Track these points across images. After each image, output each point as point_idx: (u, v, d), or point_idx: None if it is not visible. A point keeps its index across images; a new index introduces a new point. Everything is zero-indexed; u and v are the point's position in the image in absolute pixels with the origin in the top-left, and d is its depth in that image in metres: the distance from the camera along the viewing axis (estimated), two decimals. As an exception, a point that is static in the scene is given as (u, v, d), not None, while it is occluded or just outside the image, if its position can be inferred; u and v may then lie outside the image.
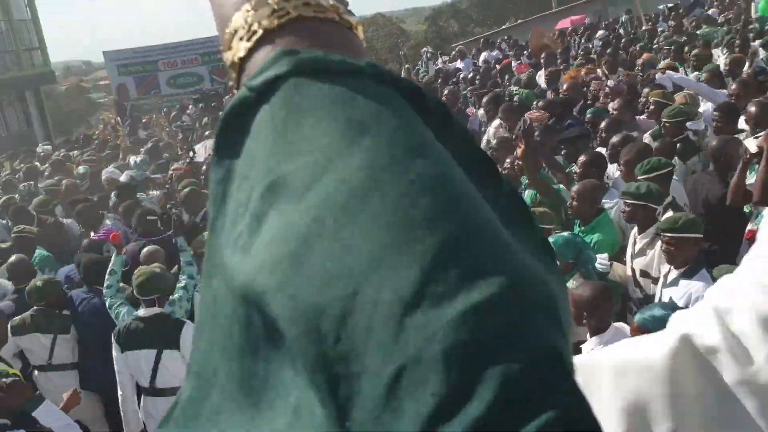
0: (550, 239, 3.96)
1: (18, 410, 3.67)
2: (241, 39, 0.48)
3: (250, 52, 0.48)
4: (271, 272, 0.37)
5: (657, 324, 3.13)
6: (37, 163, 13.03)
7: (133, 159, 11.13)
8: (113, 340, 4.53)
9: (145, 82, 27.74)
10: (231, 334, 0.40)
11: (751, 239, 4.12)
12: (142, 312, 4.54)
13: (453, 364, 0.32)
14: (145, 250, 5.41)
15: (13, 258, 5.91)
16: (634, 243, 4.52)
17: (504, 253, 0.36)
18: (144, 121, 17.50)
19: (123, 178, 9.89)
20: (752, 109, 5.34)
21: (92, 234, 6.81)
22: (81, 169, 10.66)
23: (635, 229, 4.53)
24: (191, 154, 9.94)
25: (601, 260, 4.44)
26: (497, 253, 0.36)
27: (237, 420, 0.40)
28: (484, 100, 8.98)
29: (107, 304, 4.87)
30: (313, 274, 0.36)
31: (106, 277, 4.98)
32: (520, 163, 5.50)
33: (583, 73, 10.04)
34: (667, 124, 5.78)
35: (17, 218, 7.37)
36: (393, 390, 0.32)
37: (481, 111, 9.01)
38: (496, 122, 7.87)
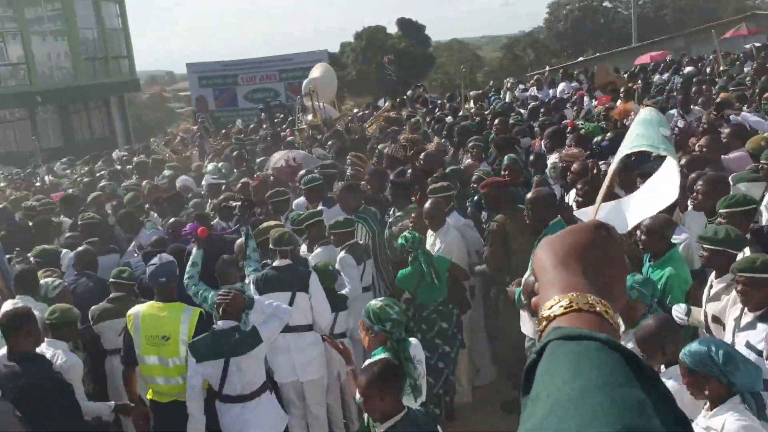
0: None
1: (241, 312, 4.66)
2: (561, 306, 0.90)
3: (561, 314, 0.90)
4: None
5: (693, 358, 3.13)
6: (118, 167, 13.70)
7: (212, 165, 11.59)
8: (252, 287, 5.28)
9: (224, 94, 28.60)
10: None
11: None
12: (276, 263, 5.53)
13: None
14: (238, 242, 6.29)
15: (80, 248, 6.62)
16: (710, 287, 4.39)
17: None
18: (224, 132, 18.01)
19: (197, 184, 10.36)
20: None
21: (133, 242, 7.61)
22: (166, 172, 11.30)
23: (713, 272, 4.40)
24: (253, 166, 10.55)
25: (678, 312, 4.33)
26: None
27: None
28: (546, 132, 9.00)
29: (192, 292, 5.26)
30: None
31: (188, 269, 5.42)
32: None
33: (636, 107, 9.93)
34: (766, 165, 5.58)
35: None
36: None
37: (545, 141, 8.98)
38: (555, 155, 7.90)
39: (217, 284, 5.52)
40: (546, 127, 9.57)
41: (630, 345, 3.91)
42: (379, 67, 36.99)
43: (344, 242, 6.15)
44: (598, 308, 0.89)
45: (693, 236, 5.00)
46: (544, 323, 0.91)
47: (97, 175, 13.32)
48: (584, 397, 0.71)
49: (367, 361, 3.80)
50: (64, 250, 7.02)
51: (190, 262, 5.53)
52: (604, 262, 0.98)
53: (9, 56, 29.83)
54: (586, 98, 14.40)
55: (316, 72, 16.70)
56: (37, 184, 14.04)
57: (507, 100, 16.37)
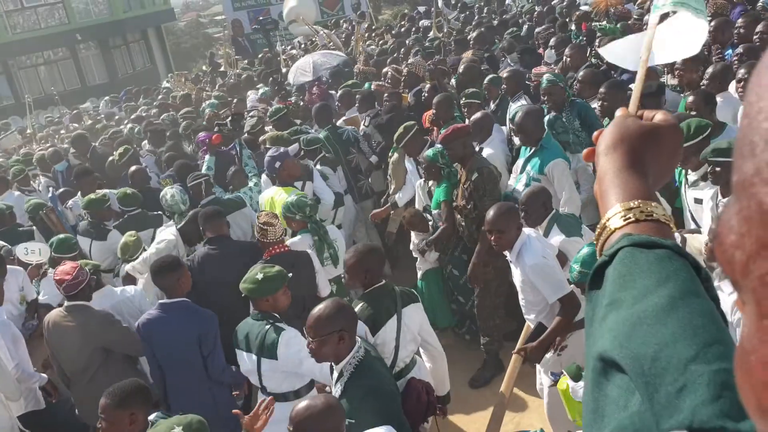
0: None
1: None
2: (621, 218, 0.96)
3: (623, 227, 0.95)
4: (614, 341, 0.79)
5: None
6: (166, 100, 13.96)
7: (252, 92, 11.78)
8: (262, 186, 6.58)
9: (258, 15, 28.21)
10: (590, 378, 0.82)
11: None
12: None
13: (712, 386, 0.68)
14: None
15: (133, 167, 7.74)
16: (716, 206, 4.34)
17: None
18: (261, 56, 17.93)
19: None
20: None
21: None
22: (210, 101, 11.62)
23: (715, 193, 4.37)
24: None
25: None
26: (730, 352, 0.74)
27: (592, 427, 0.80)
28: (552, 41, 8.73)
29: None
30: (638, 342, 0.77)
31: (204, 171, 6.70)
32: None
33: None
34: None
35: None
36: (680, 392, 0.70)
37: (551, 52, 8.67)
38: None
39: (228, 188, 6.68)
40: (548, 37, 9.22)
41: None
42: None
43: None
44: (655, 216, 0.94)
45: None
46: (607, 232, 0.97)
47: (141, 109, 13.59)
48: (671, 309, 0.79)
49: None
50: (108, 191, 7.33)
51: (204, 167, 6.79)
52: (660, 156, 1.04)
53: (45, -4, 29.97)
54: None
55: (292, 1, 16.19)
56: (62, 131, 14.52)
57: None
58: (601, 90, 5.81)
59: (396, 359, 3.91)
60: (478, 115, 6.25)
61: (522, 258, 4.14)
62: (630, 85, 6.24)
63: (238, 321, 4.37)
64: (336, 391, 3.41)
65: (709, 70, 5.59)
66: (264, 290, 4.04)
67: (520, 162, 5.71)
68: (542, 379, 4.41)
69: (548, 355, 4.16)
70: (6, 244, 6.17)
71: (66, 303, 4.84)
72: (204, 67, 20.24)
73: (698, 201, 4.52)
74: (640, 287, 0.83)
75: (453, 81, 8.10)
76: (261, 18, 22.82)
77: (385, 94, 8.03)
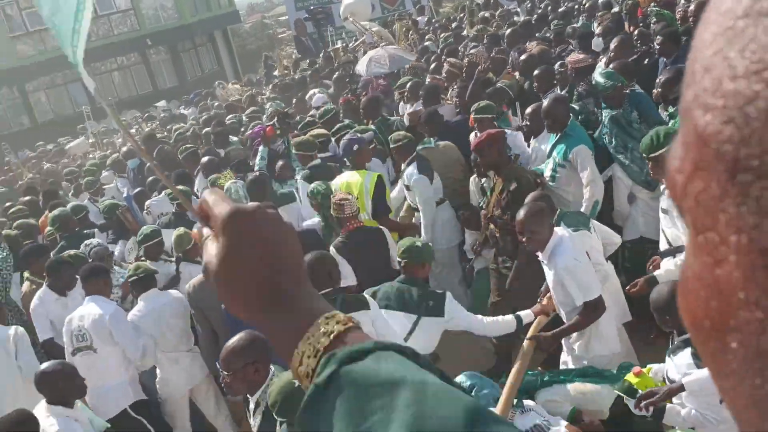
0: None
1: None
2: (309, 357, 0.79)
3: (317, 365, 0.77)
4: None
5: None
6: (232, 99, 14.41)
7: (312, 91, 12.00)
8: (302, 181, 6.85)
9: (320, 14, 28.43)
10: None
11: None
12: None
13: None
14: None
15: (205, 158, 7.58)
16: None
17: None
18: (323, 54, 18.21)
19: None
20: None
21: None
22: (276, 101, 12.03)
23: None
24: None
25: None
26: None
27: None
28: (599, 30, 8.52)
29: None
30: None
31: (257, 162, 7.59)
32: None
33: None
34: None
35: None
36: None
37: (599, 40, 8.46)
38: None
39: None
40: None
41: None
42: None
43: None
44: (334, 330, 0.80)
45: None
46: (306, 382, 0.79)
47: (213, 112, 14.06)
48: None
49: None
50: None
51: (258, 157, 7.40)
52: (287, 254, 0.85)
53: (117, 5, 31.11)
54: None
55: None
56: (119, 140, 15.19)
57: None
58: (662, 78, 5.68)
59: None
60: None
61: (554, 258, 4.06)
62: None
63: None
64: (255, 423, 3.35)
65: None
66: (424, 257, 4.47)
67: (547, 148, 5.67)
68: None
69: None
70: (101, 242, 6.73)
71: None
72: (259, 71, 20.74)
73: (664, 211, 4.49)
74: (381, 411, 0.69)
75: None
76: (312, 8, 22.88)
77: (456, 87, 8.01)
